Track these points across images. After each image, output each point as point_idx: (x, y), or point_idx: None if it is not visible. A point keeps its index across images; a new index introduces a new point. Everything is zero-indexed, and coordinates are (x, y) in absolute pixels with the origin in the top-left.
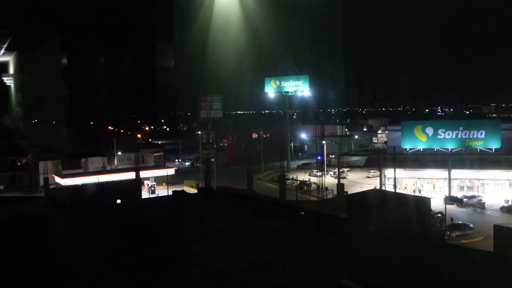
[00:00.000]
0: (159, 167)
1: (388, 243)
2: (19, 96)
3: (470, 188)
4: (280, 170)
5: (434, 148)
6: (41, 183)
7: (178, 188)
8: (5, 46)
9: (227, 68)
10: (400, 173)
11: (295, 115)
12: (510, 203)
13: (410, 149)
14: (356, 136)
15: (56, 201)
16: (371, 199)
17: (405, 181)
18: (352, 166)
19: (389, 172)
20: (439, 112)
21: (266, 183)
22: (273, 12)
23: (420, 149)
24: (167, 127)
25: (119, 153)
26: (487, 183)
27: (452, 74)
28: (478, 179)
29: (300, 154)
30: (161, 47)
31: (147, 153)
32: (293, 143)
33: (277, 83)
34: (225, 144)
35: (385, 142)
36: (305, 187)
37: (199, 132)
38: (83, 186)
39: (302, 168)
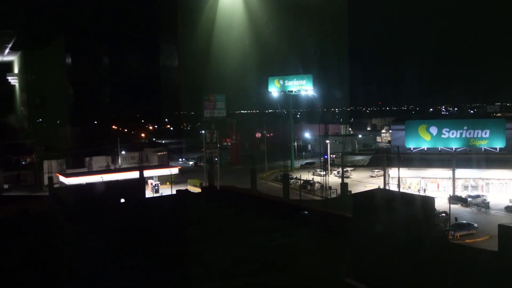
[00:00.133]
0: (163, 166)
1: (394, 242)
2: (23, 95)
3: (474, 187)
4: (284, 169)
5: (438, 148)
6: (46, 182)
7: (182, 187)
8: (9, 45)
9: (230, 67)
10: (404, 172)
11: (299, 115)
12: None
13: (414, 149)
14: (360, 136)
15: (60, 200)
16: (376, 198)
17: (409, 180)
18: (356, 166)
19: (393, 172)
20: (444, 111)
21: (270, 182)
22: (277, 11)
23: (424, 148)
24: (170, 127)
25: (123, 152)
26: (492, 183)
27: (456, 73)
28: (483, 179)
29: (303, 153)
30: (165, 46)
31: (151, 152)
32: (297, 143)
33: (281, 82)
34: (229, 144)
35: (389, 142)
36: (308, 186)
37: (203, 132)
38: (87, 185)
39: (306, 167)
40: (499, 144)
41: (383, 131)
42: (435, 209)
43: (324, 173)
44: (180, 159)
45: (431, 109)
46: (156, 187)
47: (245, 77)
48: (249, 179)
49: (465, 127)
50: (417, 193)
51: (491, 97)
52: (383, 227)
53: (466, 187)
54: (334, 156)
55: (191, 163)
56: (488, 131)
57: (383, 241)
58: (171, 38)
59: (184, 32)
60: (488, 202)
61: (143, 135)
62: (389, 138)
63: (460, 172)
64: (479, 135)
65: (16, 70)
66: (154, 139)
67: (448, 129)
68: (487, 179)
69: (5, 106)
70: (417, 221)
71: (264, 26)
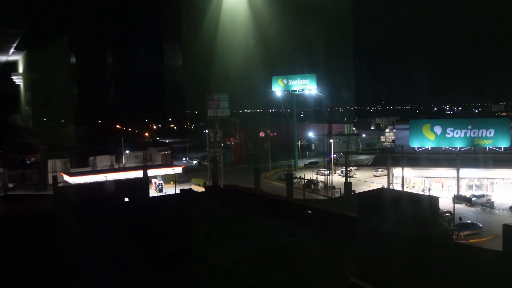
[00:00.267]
0: (167, 166)
1: (400, 242)
2: (28, 94)
3: (479, 187)
4: (288, 168)
5: (442, 147)
6: (50, 181)
7: (186, 187)
8: (14, 45)
9: (234, 66)
10: (408, 172)
11: (303, 114)
12: None
13: (418, 148)
14: (363, 135)
15: (65, 199)
16: (381, 198)
17: (413, 180)
18: (360, 165)
19: (397, 171)
20: (448, 111)
21: (274, 181)
22: (281, 10)
23: (428, 148)
24: (174, 126)
25: (127, 151)
26: (496, 182)
27: (461, 73)
28: (487, 178)
29: (307, 152)
30: (169, 45)
31: (155, 151)
32: (301, 142)
33: (285, 81)
34: (233, 143)
35: (393, 141)
36: (312, 185)
37: (207, 131)
38: (92, 184)
39: (310, 166)
40: (503, 143)
41: (387, 130)
42: (439, 208)
43: (328, 172)
44: (184, 159)
45: (435, 109)
46: (160, 186)
47: (249, 77)
48: (253, 179)
49: (470, 127)
50: (422, 193)
51: (495, 96)
52: (390, 227)
53: (470, 187)
54: (335, 155)
55: (194, 162)
56: (492, 131)
57: (389, 240)
58: (175, 37)
59: (188, 31)
60: (493, 202)
61: (147, 134)
62: (393, 138)
63: (465, 172)
64: (484, 135)
65: (20, 70)
66: (158, 138)
67: (452, 129)
68: (491, 178)
69: (10, 105)
70: (424, 220)
71: (268, 25)
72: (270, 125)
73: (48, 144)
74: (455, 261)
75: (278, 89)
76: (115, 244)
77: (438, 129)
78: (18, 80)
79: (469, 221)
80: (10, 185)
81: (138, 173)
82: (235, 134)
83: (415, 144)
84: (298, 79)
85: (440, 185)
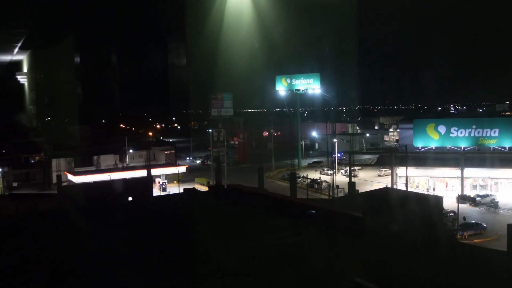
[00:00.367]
0: (170, 165)
1: (406, 242)
2: (32, 94)
3: (483, 187)
4: (291, 168)
5: (446, 147)
6: (54, 180)
7: (189, 186)
8: (19, 45)
9: (238, 66)
10: (412, 171)
11: (306, 113)
12: None
13: (422, 148)
14: (367, 134)
15: (69, 198)
16: (387, 197)
17: (417, 179)
18: (364, 165)
19: (400, 171)
20: (452, 110)
21: (277, 181)
22: (286, 9)
23: (432, 147)
24: (178, 125)
25: (131, 151)
26: (501, 182)
27: (465, 72)
28: (492, 178)
29: (311, 152)
30: (173, 45)
31: (159, 151)
32: (304, 141)
33: (288, 81)
34: (236, 142)
35: (397, 141)
36: (316, 185)
37: (210, 130)
38: (95, 183)
39: (313, 166)
40: (508, 143)
41: (391, 130)
42: (443, 208)
43: (332, 172)
44: (188, 158)
45: (439, 108)
46: (163, 186)
47: (253, 76)
48: (256, 178)
49: (474, 126)
50: (425, 192)
51: (500, 95)
52: (397, 227)
53: (474, 187)
54: (342, 155)
55: (198, 161)
56: (497, 130)
57: (395, 240)
58: (179, 37)
59: (192, 31)
60: (497, 202)
61: (150, 133)
62: (397, 137)
63: (469, 171)
64: (488, 134)
65: (25, 69)
66: (161, 137)
67: (456, 128)
68: (496, 178)
69: (15, 105)
70: (430, 220)
71: (272, 24)
72: (273, 125)
73: (52, 143)
74: (460, 261)
75: (281, 88)
76: (119, 243)
77: (442, 129)
78: (22, 79)
79: (473, 221)
80: (15, 184)
81: (142, 173)
82: (239, 134)
83: (419, 143)
84: (302, 78)
85: (444, 184)
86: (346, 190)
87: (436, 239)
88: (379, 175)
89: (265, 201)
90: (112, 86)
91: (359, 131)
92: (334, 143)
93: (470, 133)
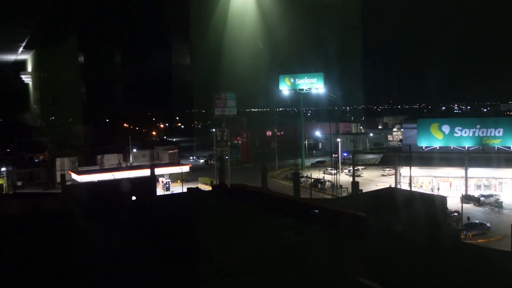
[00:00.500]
0: (174, 164)
1: (410, 241)
2: (37, 93)
3: (487, 187)
4: (295, 167)
5: (450, 146)
6: (58, 179)
7: (193, 185)
8: (23, 44)
9: (241, 65)
10: (416, 171)
11: (310, 113)
12: None
13: (426, 147)
14: (371, 134)
15: (73, 197)
16: (392, 197)
17: (420, 179)
18: (367, 164)
19: (404, 170)
20: (456, 110)
21: (280, 180)
22: (289, 9)
23: (436, 147)
24: (181, 125)
25: (134, 150)
26: (505, 182)
27: (469, 72)
28: (496, 178)
29: (314, 152)
30: (177, 45)
31: (162, 150)
32: (308, 141)
33: (292, 80)
34: (240, 142)
35: (401, 140)
36: (319, 185)
37: (214, 130)
38: (99, 183)
39: (317, 166)
40: None
41: (395, 129)
42: (447, 208)
43: (335, 171)
44: (191, 157)
45: (443, 108)
46: (167, 185)
47: (256, 75)
48: (260, 177)
49: (478, 126)
50: (429, 192)
51: (504, 95)
52: (402, 226)
53: (479, 186)
54: (348, 154)
55: (201, 161)
56: (501, 130)
57: (399, 240)
58: (183, 37)
59: (195, 30)
60: (501, 202)
61: (154, 133)
62: (400, 137)
63: (473, 171)
64: (492, 134)
65: (29, 69)
66: (165, 137)
67: (460, 128)
68: (500, 178)
69: (19, 104)
70: (435, 220)
71: (276, 24)
72: (277, 124)
73: (56, 143)
74: (463, 262)
75: (285, 88)
76: (122, 242)
77: (446, 128)
78: (27, 79)
79: (477, 221)
80: (19, 183)
81: (146, 172)
82: (242, 133)
83: (423, 143)
84: (305, 78)
85: (448, 184)
86: (350, 190)
87: (440, 239)
88: (383, 175)
89: (268, 200)
90: (115, 85)
91: (362, 130)
92: (337, 143)
93: (474, 133)
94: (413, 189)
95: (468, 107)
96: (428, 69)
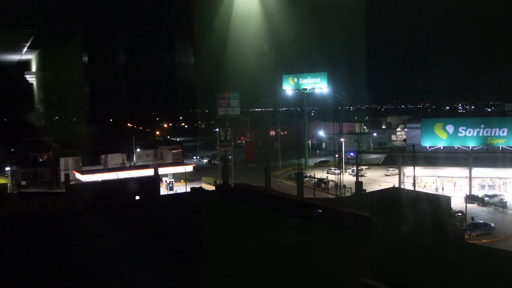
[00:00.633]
0: (177, 164)
1: (416, 242)
2: (41, 93)
3: (491, 186)
4: (298, 167)
5: (454, 146)
6: (62, 179)
7: (196, 185)
8: (27, 44)
9: (245, 65)
10: (420, 171)
11: (313, 113)
12: None
13: (430, 147)
14: (374, 134)
15: (77, 196)
16: (397, 197)
17: (424, 179)
18: (371, 164)
19: (408, 170)
20: (460, 110)
21: (284, 180)
22: (294, 8)
23: (440, 147)
24: (185, 124)
25: (138, 150)
26: (509, 182)
27: (473, 71)
28: (500, 178)
29: (318, 151)
30: (181, 44)
31: (166, 150)
32: (311, 141)
33: (295, 80)
34: (243, 142)
35: (404, 140)
36: (323, 184)
37: (217, 129)
38: (103, 182)
39: (320, 165)
40: None
41: (399, 129)
42: (451, 208)
43: (339, 171)
44: (195, 157)
45: (447, 107)
46: (170, 185)
47: (260, 75)
48: (263, 177)
49: (482, 126)
50: (434, 192)
51: (509, 95)
52: (405, 227)
53: (483, 186)
54: (354, 154)
55: (205, 161)
56: (506, 130)
57: (405, 240)
58: (187, 36)
59: (200, 30)
60: (506, 202)
61: (158, 132)
62: (404, 137)
63: (477, 171)
64: (497, 134)
65: (34, 69)
66: (168, 137)
67: (464, 128)
68: (504, 178)
69: (23, 104)
70: (441, 221)
71: (280, 24)
72: (280, 124)
73: (61, 142)
74: (468, 262)
75: (288, 87)
76: (126, 241)
77: (450, 128)
78: (31, 78)
79: (481, 221)
80: (23, 183)
81: (149, 172)
82: (246, 133)
83: (427, 143)
84: (309, 77)
85: (452, 184)
86: (353, 190)
87: (445, 240)
88: (387, 175)
89: (272, 200)
90: (119, 85)
91: (366, 130)
92: (341, 143)
93: (478, 132)
94: (417, 189)
95: (472, 107)
96: (432, 69)
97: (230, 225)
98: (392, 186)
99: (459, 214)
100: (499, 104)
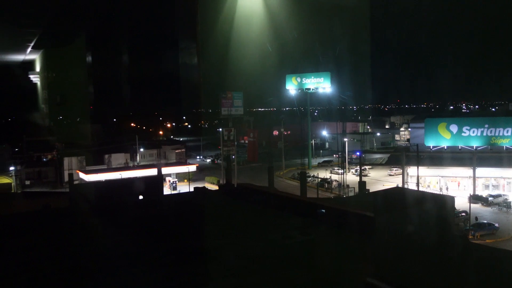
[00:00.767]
0: (181, 164)
1: (420, 242)
2: (45, 93)
3: (495, 186)
4: (301, 167)
5: (458, 146)
6: (66, 178)
7: (200, 185)
8: (31, 44)
9: (248, 65)
10: (423, 171)
11: (316, 112)
12: None
13: (433, 147)
14: (378, 134)
15: (81, 196)
16: (401, 197)
17: (428, 179)
18: (374, 164)
19: (411, 170)
20: (464, 109)
21: (287, 180)
22: (297, 8)
23: (444, 147)
24: (188, 124)
25: (142, 149)
26: None
27: (477, 71)
28: (504, 178)
29: (321, 151)
30: (184, 44)
31: (169, 149)
32: (314, 141)
33: (298, 80)
34: (246, 141)
35: (408, 140)
36: (326, 184)
37: (220, 129)
38: (106, 182)
39: (323, 165)
40: None
41: (402, 129)
42: (455, 208)
43: (342, 171)
44: (198, 157)
45: (451, 107)
46: (174, 184)
47: (263, 75)
48: (267, 177)
49: (486, 125)
50: (438, 192)
51: None
52: (409, 227)
53: (487, 186)
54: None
55: (208, 160)
56: (510, 130)
57: (409, 240)
58: (191, 36)
59: (203, 30)
60: (510, 202)
61: (161, 132)
62: (408, 136)
63: (481, 171)
64: (501, 134)
65: (37, 69)
66: (172, 136)
67: (468, 127)
68: (508, 178)
69: (27, 104)
70: (446, 221)
71: (283, 23)
72: (283, 124)
73: (64, 142)
74: (472, 262)
75: (292, 87)
76: (129, 241)
77: (454, 128)
78: (35, 78)
79: (485, 221)
80: (27, 182)
81: (153, 171)
82: (249, 133)
83: (431, 143)
84: (312, 77)
85: (456, 184)
86: (357, 190)
87: (449, 240)
88: (390, 175)
89: (275, 200)
90: (123, 85)
91: (369, 130)
92: (344, 143)
93: (482, 132)
94: (420, 189)
95: (476, 107)
96: (436, 68)
97: (232, 225)
98: (395, 186)
99: (463, 214)
100: (503, 104)
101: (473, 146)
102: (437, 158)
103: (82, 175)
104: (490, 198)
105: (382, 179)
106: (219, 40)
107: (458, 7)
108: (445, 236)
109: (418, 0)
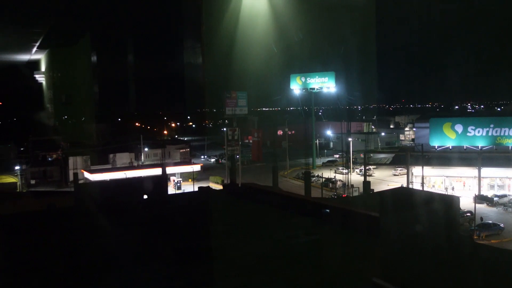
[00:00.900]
0: (185, 163)
1: (426, 242)
2: (50, 93)
3: (501, 187)
4: (305, 167)
5: (463, 146)
6: (71, 178)
7: (204, 184)
8: (37, 44)
9: (253, 65)
10: (428, 171)
11: (321, 112)
12: None
13: (438, 147)
14: (382, 133)
15: (85, 195)
16: (408, 197)
17: (433, 179)
18: (379, 164)
19: (416, 170)
20: (469, 109)
21: (291, 180)
22: (302, 8)
23: (449, 146)
24: (193, 124)
25: (146, 149)
26: None
27: (483, 70)
28: (510, 178)
29: (325, 151)
30: (189, 44)
31: (173, 149)
32: (319, 140)
33: (303, 79)
34: (250, 141)
35: (413, 140)
36: (330, 184)
37: (225, 129)
38: (111, 181)
39: (328, 165)
40: None
41: (407, 129)
42: (460, 208)
43: (346, 171)
44: (202, 156)
45: (456, 107)
46: (178, 184)
47: (267, 75)
48: (271, 177)
49: (492, 125)
50: (444, 192)
51: None
52: (415, 227)
53: (492, 186)
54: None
55: (213, 160)
56: None
57: (413, 240)
58: (195, 36)
59: (208, 30)
60: None
61: (165, 132)
62: (412, 136)
63: (486, 171)
64: (506, 133)
65: (43, 68)
66: (176, 136)
67: (474, 127)
68: None
69: (33, 103)
70: (449, 221)
71: (288, 23)
72: (288, 123)
73: (69, 142)
74: (477, 263)
75: (296, 87)
76: (134, 240)
77: (459, 128)
78: (40, 78)
79: (490, 222)
80: (32, 182)
81: (157, 171)
82: (253, 132)
83: (435, 142)
84: (317, 77)
85: (461, 184)
86: (361, 190)
87: (455, 240)
88: (395, 175)
89: (279, 200)
90: (128, 85)
91: (374, 130)
92: (349, 142)
93: (487, 132)
94: (425, 189)
95: (482, 106)
96: (441, 68)
97: (237, 225)
98: (400, 186)
99: (468, 214)
100: (509, 104)
101: (478, 146)
102: (442, 158)
103: (87, 175)
104: (495, 198)
105: (386, 179)
106: (224, 39)
107: (464, 6)
108: (452, 236)
109: (424, 0)
